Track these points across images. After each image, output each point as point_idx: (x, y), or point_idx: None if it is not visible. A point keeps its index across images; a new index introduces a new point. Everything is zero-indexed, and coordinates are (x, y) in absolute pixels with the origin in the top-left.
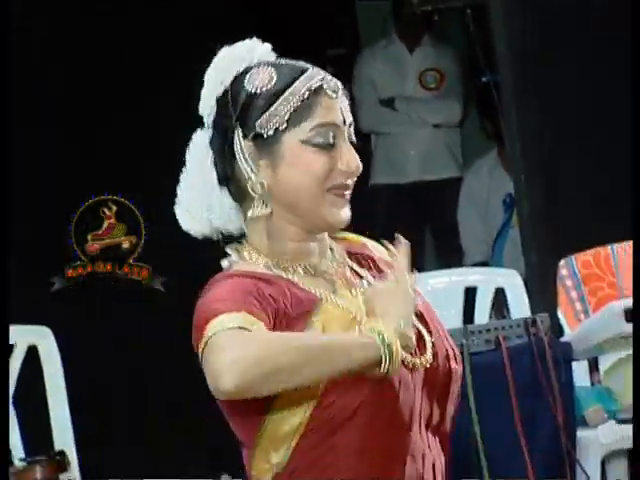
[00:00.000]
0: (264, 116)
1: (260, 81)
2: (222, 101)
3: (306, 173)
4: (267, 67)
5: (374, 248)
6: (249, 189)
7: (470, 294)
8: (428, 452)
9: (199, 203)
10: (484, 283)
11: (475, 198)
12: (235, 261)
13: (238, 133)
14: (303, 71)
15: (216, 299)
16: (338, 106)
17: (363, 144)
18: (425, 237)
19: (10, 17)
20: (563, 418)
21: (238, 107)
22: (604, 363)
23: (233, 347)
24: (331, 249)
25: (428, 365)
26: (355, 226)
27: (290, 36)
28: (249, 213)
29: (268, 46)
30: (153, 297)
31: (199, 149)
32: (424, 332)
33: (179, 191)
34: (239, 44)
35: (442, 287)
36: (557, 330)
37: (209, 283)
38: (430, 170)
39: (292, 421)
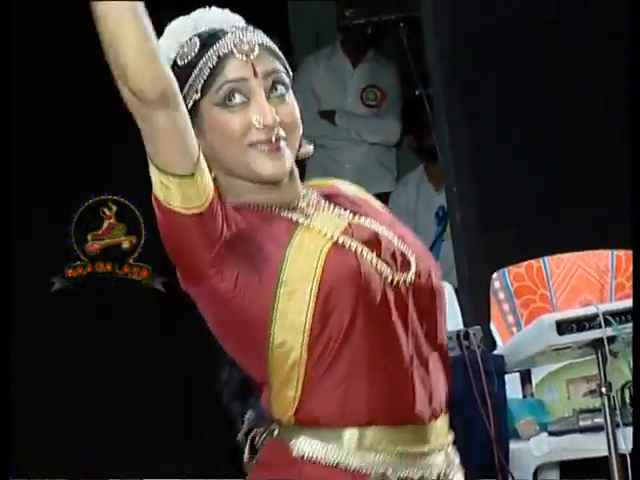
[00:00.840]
0: (185, 87)
1: (184, 53)
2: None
3: (223, 135)
4: (195, 38)
5: (346, 188)
6: None
7: None
8: (432, 365)
9: None
10: None
11: (401, 212)
12: None
13: None
14: (222, 37)
15: None
16: (249, 63)
17: None
18: None
19: (10, 17)
20: (496, 430)
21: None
22: (536, 376)
23: None
24: (304, 195)
25: (411, 281)
26: None
27: None
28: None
29: (224, 13)
30: (153, 297)
31: None
32: (406, 251)
33: None
34: (183, 17)
35: None
36: (490, 343)
37: None
38: (365, 184)
39: (292, 355)
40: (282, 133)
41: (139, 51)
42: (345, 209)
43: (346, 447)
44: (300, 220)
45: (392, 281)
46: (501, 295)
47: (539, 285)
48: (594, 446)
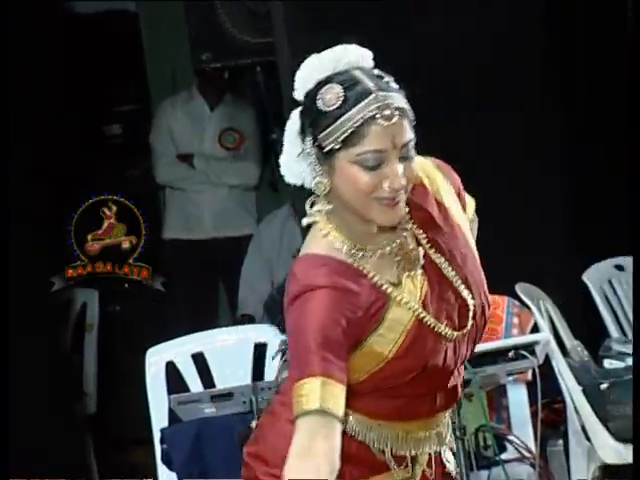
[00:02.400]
0: (324, 133)
1: (327, 101)
2: (305, 102)
3: (353, 187)
4: (338, 87)
5: (431, 189)
6: (313, 185)
7: (260, 350)
8: (459, 380)
9: (293, 165)
10: (274, 339)
11: (263, 250)
12: (315, 230)
13: (309, 139)
14: (366, 95)
15: (312, 334)
16: (390, 132)
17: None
18: (220, 293)
19: (12, 19)
20: None
21: (310, 117)
22: None
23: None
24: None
25: (470, 329)
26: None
27: (80, 93)
28: (315, 207)
29: (361, 51)
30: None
31: (295, 123)
32: (468, 299)
33: (284, 148)
34: (328, 51)
35: (232, 343)
36: None
37: (300, 265)
38: (225, 227)
39: (355, 376)
40: (402, 190)
41: None
42: (427, 231)
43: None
44: (392, 293)
45: (455, 336)
46: None
47: None
48: None
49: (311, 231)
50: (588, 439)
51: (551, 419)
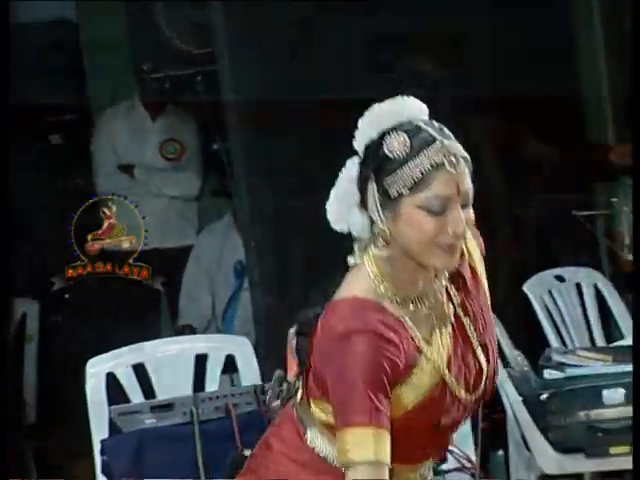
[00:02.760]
0: (390, 178)
1: (393, 148)
2: (368, 151)
3: (418, 232)
4: (403, 135)
5: (465, 252)
6: (375, 230)
7: (201, 361)
8: (453, 435)
9: (344, 212)
10: (215, 350)
11: (204, 261)
12: (360, 271)
13: (373, 185)
14: (431, 142)
15: (361, 377)
16: (455, 179)
17: None
18: (161, 304)
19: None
20: None
21: (375, 163)
22: None
23: None
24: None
25: (481, 393)
26: None
27: (19, 103)
28: (375, 251)
29: (419, 104)
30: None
31: (350, 172)
32: (484, 364)
33: (332, 193)
34: (390, 102)
35: (173, 354)
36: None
37: (346, 305)
38: (165, 238)
39: None
40: (463, 235)
41: None
42: (459, 291)
43: None
44: (423, 348)
45: (463, 399)
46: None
47: None
48: None
49: (355, 271)
50: (528, 449)
51: (491, 429)
